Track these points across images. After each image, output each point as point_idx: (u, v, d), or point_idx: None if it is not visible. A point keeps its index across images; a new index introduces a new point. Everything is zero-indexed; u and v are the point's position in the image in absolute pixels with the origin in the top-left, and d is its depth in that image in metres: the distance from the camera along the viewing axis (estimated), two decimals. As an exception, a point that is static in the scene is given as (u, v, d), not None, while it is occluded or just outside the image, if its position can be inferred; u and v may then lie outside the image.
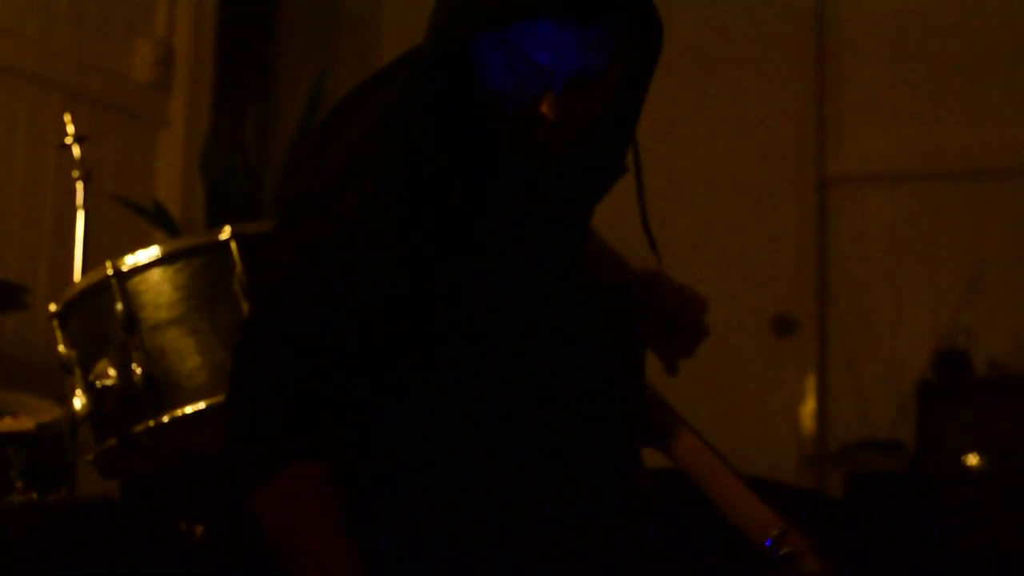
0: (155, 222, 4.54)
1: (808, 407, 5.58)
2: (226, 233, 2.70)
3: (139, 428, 2.71)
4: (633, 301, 2.10)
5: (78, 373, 2.81)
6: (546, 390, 1.91)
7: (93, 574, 2.45)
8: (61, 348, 2.86)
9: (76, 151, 3.11)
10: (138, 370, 2.70)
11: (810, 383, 5.59)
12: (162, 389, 2.69)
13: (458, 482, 1.87)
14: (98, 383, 2.75)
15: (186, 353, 2.69)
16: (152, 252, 2.74)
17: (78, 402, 2.78)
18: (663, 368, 2.17)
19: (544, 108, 1.82)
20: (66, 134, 3.13)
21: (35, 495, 2.80)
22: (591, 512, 1.94)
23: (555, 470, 1.91)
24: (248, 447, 1.86)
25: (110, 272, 2.73)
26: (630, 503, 2.00)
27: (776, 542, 1.91)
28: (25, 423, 2.97)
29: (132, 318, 2.72)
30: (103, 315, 2.76)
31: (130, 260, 2.74)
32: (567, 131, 1.86)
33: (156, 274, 2.73)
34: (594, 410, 1.96)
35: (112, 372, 2.74)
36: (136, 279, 2.73)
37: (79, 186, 3.11)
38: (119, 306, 2.72)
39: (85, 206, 3.11)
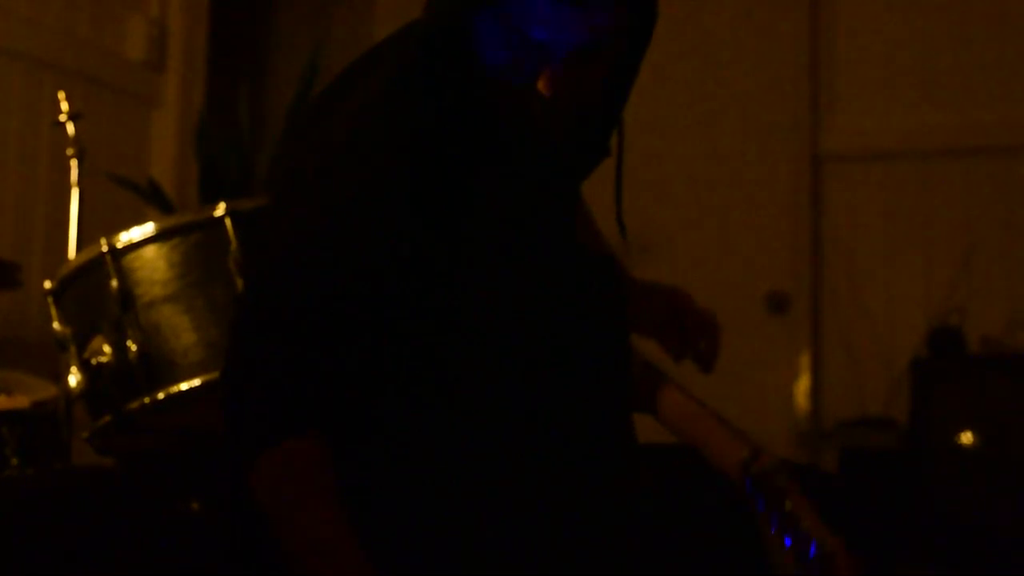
0: (149, 199, 4.53)
1: (802, 384, 5.58)
2: (221, 210, 2.69)
3: (134, 405, 2.71)
4: (617, 271, 2.11)
5: (73, 350, 2.81)
6: (541, 361, 1.92)
7: (88, 549, 2.45)
8: (56, 325, 2.86)
9: (70, 129, 3.11)
10: (133, 347, 2.70)
11: (804, 360, 5.60)
12: (157, 366, 2.70)
13: (455, 456, 1.88)
14: (93, 360, 2.75)
15: (181, 330, 2.69)
16: (146, 229, 2.73)
17: (73, 379, 2.79)
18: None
19: (541, 85, 1.82)
20: (60, 112, 3.12)
21: (30, 472, 2.81)
22: (591, 488, 1.94)
23: (554, 445, 1.92)
24: (243, 422, 1.86)
25: (105, 249, 2.73)
26: (627, 477, 2.00)
27: (746, 464, 1.94)
28: (20, 401, 2.98)
29: (127, 295, 2.72)
30: (98, 292, 2.76)
31: (124, 237, 2.74)
32: (563, 107, 1.86)
33: (151, 251, 2.73)
34: (591, 385, 1.97)
35: (107, 349, 2.73)
36: (131, 256, 2.73)
37: (73, 164, 3.11)
38: (114, 283, 2.72)
39: (79, 184, 3.11)
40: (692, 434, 2.05)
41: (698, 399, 2.11)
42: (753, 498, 1.93)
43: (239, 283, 2.63)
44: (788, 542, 1.87)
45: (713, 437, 2.04)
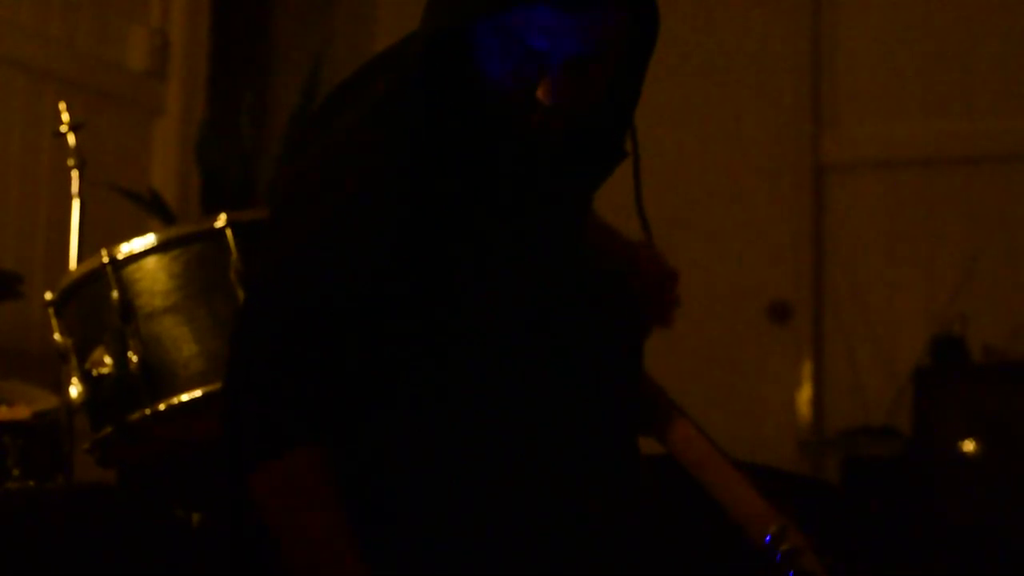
0: (150, 210, 4.54)
1: (804, 393, 5.58)
2: (222, 221, 2.69)
3: (135, 416, 2.71)
4: (631, 287, 2.11)
5: (74, 361, 2.81)
6: (547, 373, 1.92)
7: (89, 561, 2.45)
8: (57, 336, 2.86)
9: (71, 140, 3.11)
10: (134, 358, 2.70)
11: (806, 369, 5.60)
12: (158, 377, 2.69)
13: (458, 467, 1.88)
14: (94, 371, 2.75)
15: (182, 341, 2.69)
16: (148, 240, 2.74)
17: (74, 390, 2.78)
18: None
19: (540, 93, 1.82)
20: (61, 123, 3.12)
21: (32, 484, 2.81)
22: (591, 498, 1.94)
23: (555, 454, 1.91)
24: (245, 434, 1.86)
25: (106, 260, 2.73)
26: (629, 488, 2.00)
27: (775, 539, 1.90)
28: (21, 412, 2.97)
29: (128, 306, 2.72)
30: (99, 303, 2.76)
31: (126, 248, 2.73)
32: (563, 116, 1.86)
33: (152, 262, 2.73)
34: (594, 395, 1.96)
35: (108, 360, 2.73)
36: (132, 267, 2.73)
37: (74, 174, 3.11)
38: (115, 294, 2.72)
39: (80, 194, 3.11)
40: (709, 482, 2.01)
41: (709, 438, 2.08)
42: (784, 570, 1.90)
43: (240, 294, 2.63)
44: None
45: (735, 495, 2.00)
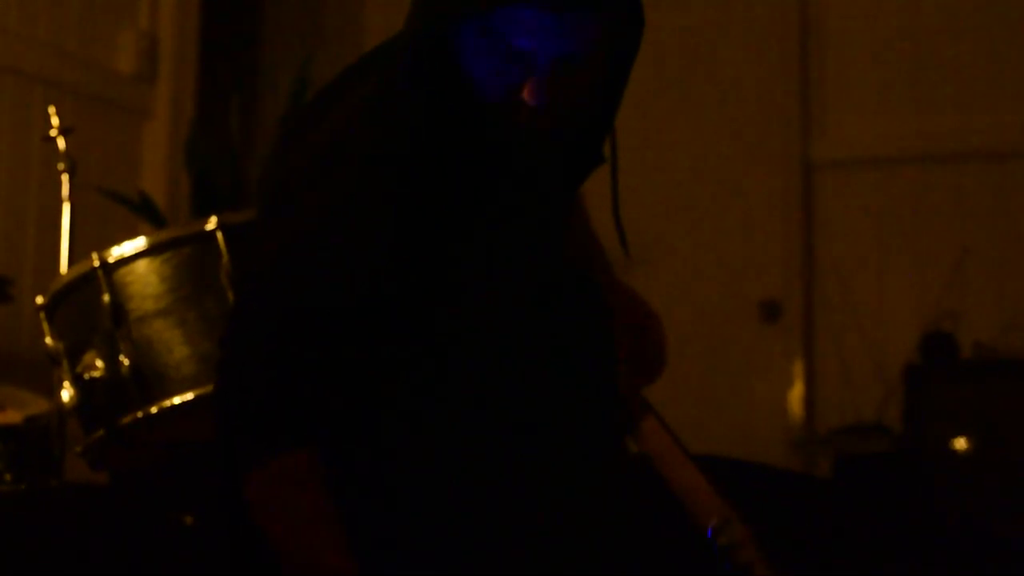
0: (141, 213, 4.53)
1: (795, 392, 5.59)
2: (212, 223, 2.70)
3: (127, 419, 2.71)
4: (597, 285, 2.11)
5: (65, 365, 2.81)
6: (542, 372, 1.92)
7: (81, 564, 2.45)
8: (48, 340, 2.86)
9: (61, 143, 3.11)
10: (126, 361, 2.70)
11: (797, 368, 5.60)
12: (150, 380, 2.69)
13: (454, 466, 1.88)
14: (86, 375, 2.74)
15: (173, 344, 2.69)
16: (138, 243, 2.74)
17: (66, 394, 2.78)
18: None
19: (526, 94, 1.82)
20: (50, 127, 3.12)
21: (23, 487, 2.81)
22: (587, 495, 1.94)
23: (552, 452, 1.92)
24: (238, 436, 1.86)
25: (96, 264, 2.73)
26: (623, 484, 2.00)
27: (715, 531, 1.92)
28: (13, 416, 2.98)
29: (119, 309, 2.72)
30: (90, 307, 2.76)
31: (116, 251, 2.74)
32: (549, 117, 1.86)
33: (142, 265, 2.73)
34: (589, 393, 1.97)
35: (99, 363, 2.73)
36: (123, 270, 2.73)
37: (64, 178, 3.10)
38: (106, 297, 2.72)
39: (70, 198, 3.11)
40: (667, 473, 2.03)
41: (672, 432, 2.08)
42: (721, 562, 1.92)
43: (231, 296, 2.63)
44: None
45: (686, 485, 2.02)
